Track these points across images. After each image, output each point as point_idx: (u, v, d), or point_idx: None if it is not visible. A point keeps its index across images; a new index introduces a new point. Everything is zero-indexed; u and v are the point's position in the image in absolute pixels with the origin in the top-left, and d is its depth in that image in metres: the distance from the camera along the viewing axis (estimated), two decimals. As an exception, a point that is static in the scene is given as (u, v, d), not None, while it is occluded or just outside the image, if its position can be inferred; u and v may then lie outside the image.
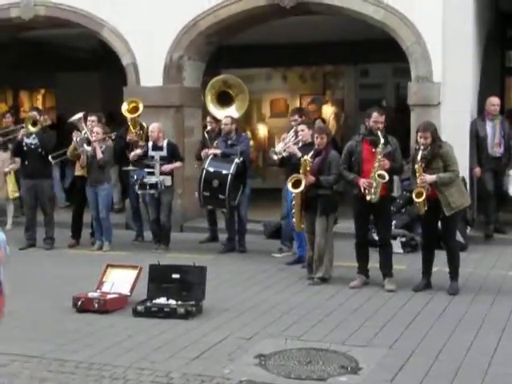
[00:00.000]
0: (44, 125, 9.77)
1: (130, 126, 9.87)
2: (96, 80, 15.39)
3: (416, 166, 6.90)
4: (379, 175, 6.93)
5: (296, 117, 8.79)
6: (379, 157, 7.06)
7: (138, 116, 9.85)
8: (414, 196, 6.89)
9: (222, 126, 9.37)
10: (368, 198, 7.07)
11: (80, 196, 9.75)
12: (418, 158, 6.87)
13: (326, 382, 4.76)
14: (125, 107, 9.91)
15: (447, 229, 7.15)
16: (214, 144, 9.50)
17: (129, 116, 9.88)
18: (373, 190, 7.03)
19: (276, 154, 8.31)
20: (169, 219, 9.41)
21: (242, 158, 9.01)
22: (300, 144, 8.04)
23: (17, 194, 11.06)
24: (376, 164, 7.04)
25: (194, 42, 11.09)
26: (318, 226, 7.52)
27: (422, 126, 7.13)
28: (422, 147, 6.90)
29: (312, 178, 7.41)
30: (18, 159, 10.35)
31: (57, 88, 16.68)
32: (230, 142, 9.25)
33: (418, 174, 6.87)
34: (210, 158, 9.08)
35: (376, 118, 7.22)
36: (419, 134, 6.99)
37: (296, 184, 7.41)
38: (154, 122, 9.59)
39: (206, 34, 11.07)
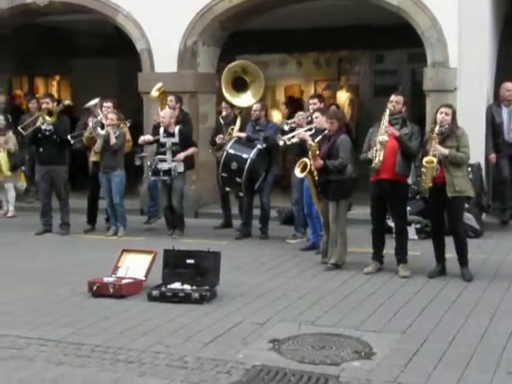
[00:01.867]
0: (58, 112, 9.80)
1: (159, 111, 9.84)
2: (111, 66, 15.41)
3: (432, 136, 6.88)
4: (426, 161, 6.85)
5: (315, 100, 8.83)
6: (385, 123, 7.08)
7: (165, 100, 9.84)
8: (424, 162, 6.86)
9: (252, 112, 9.36)
10: (372, 164, 7.11)
11: (95, 182, 9.79)
12: (436, 130, 6.88)
13: (340, 367, 4.77)
14: (155, 94, 9.90)
15: (451, 215, 7.12)
16: (230, 130, 9.50)
17: (159, 100, 9.86)
18: (376, 156, 7.05)
19: (282, 140, 8.37)
20: (181, 205, 9.43)
21: (264, 144, 8.99)
22: (313, 131, 8.04)
23: (9, 173, 11.14)
24: (381, 130, 7.09)
25: (209, 28, 11.08)
26: (330, 211, 7.54)
27: (445, 103, 7.28)
28: (440, 123, 6.90)
29: (320, 162, 7.43)
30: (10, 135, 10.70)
31: (72, 74, 16.73)
32: (257, 128, 9.27)
33: (433, 143, 6.85)
34: (233, 140, 9.10)
35: (391, 98, 7.29)
36: (441, 109, 7.00)
37: (304, 168, 7.46)
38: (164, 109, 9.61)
39: (220, 20, 11.05)
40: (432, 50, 9.88)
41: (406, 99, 7.46)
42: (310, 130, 8.11)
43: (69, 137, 9.57)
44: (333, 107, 11.54)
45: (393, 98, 7.31)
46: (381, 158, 7.07)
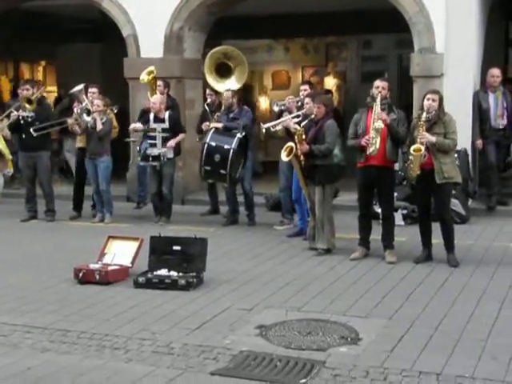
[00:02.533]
0: (38, 97, 9.68)
1: (149, 96, 9.73)
2: (97, 51, 15.29)
3: (419, 123, 6.87)
4: (414, 149, 6.83)
5: (306, 86, 8.82)
6: (377, 109, 7.05)
7: (155, 86, 9.74)
8: (411, 150, 6.85)
9: (223, 100, 9.27)
10: (368, 151, 7.07)
11: (81, 168, 9.73)
12: (423, 117, 6.87)
13: (326, 353, 4.78)
14: (145, 78, 9.78)
15: (439, 201, 7.14)
16: (215, 117, 9.45)
17: (150, 85, 9.75)
18: (372, 143, 7.02)
19: (277, 105, 8.56)
20: (171, 191, 9.40)
21: (244, 133, 8.96)
22: (301, 117, 8.03)
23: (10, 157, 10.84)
24: (374, 117, 7.05)
25: (195, 13, 11.00)
26: (316, 196, 7.54)
27: (431, 89, 7.25)
28: (427, 109, 6.89)
29: (306, 147, 7.43)
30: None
31: (57, 60, 16.58)
32: (231, 116, 9.17)
33: (420, 131, 6.84)
34: (211, 131, 9.01)
35: (377, 84, 7.25)
36: (428, 95, 6.97)
37: (290, 152, 7.45)
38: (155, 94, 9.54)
39: (206, 5, 10.97)
40: (419, 35, 9.86)
41: (390, 85, 7.43)
42: (298, 116, 8.09)
43: (31, 130, 9.33)
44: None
45: (378, 83, 7.26)
46: (377, 146, 7.03)
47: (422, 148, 6.82)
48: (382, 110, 7.12)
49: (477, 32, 9.99)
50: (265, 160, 13.54)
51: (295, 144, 7.48)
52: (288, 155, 7.50)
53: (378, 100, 7.11)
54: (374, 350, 4.81)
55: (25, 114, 9.49)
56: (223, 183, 9.24)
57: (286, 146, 7.53)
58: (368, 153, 7.09)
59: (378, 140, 7.04)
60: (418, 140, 6.86)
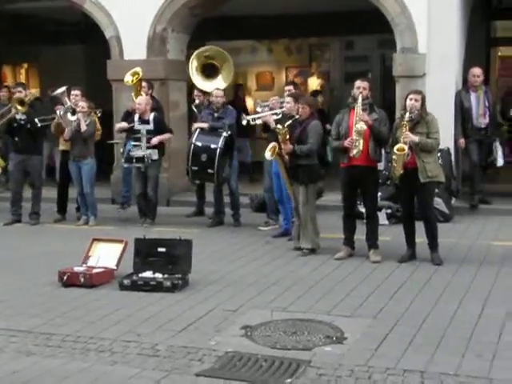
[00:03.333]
0: (30, 100, 9.66)
1: (133, 97, 9.70)
2: (80, 53, 15.23)
3: (403, 123, 6.90)
4: (398, 149, 6.86)
5: (291, 87, 8.84)
6: (359, 110, 7.08)
7: (140, 87, 9.70)
8: (395, 150, 6.89)
9: (213, 99, 9.19)
10: (351, 154, 7.11)
11: (65, 171, 9.69)
12: (406, 117, 6.91)
13: (311, 352, 4.80)
14: (129, 79, 9.72)
15: (422, 200, 7.18)
16: (200, 117, 9.45)
17: (135, 86, 9.70)
18: (356, 145, 7.06)
19: (245, 120, 8.56)
20: (155, 193, 9.38)
21: (229, 132, 8.97)
22: (280, 116, 8.11)
23: None
24: (356, 118, 7.08)
25: (178, 14, 10.99)
26: (300, 196, 7.58)
27: (414, 90, 7.30)
28: (410, 109, 6.93)
29: (289, 147, 7.47)
30: None
31: (40, 62, 16.49)
32: (216, 115, 9.18)
33: (404, 130, 6.88)
34: (197, 131, 9.02)
35: (358, 84, 7.27)
36: (410, 96, 7.01)
37: (273, 151, 7.49)
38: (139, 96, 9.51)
39: (189, 6, 10.97)
40: (401, 35, 9.92)
41: (371, 84, 7.46)
42: (277, 114, 8.16)
43: (36, 120, 9.37)
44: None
45: (359, 83, 7.28)
46: (360, 148, 7.06)
47: (406, 147, 6.86)
48: (364, 110, 7.15)
49: (458, 32, 10.07)
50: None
51: (279, 143, 7.52)
52: (272, 155, 7.54)
53: (360, 101, 7.13)
54: (358, 349, 4.83)
55: (18, 116, 9.43)
56: (211, 183, 9.22)
57: (270, 146, 7.57)
58: (352, 155, 7.12)
59: (361, 142, 7.07)
60: (402, 139, 6.90)
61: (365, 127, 7.06)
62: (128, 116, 9.60)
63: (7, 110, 9.88)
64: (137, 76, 9.72)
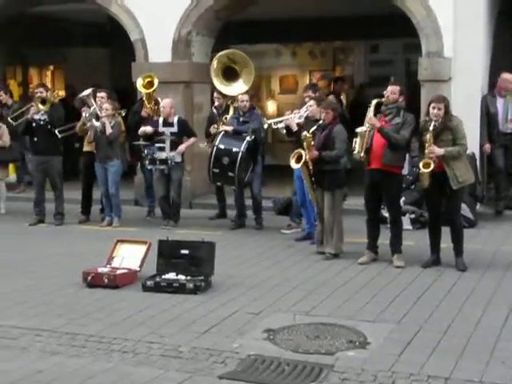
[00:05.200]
0: (52, 101, 9.75)
1: (145, 101, 9.82)
2: (105, 56, 15.36)
3: (427, 136, 6.86)
4: (423, 165, 6.83)
5: (310, 92, 8.75)
6: (369, 114, 7.11)
7: (153, 91, 9.79)
8: (420, 166, 6.86)
9: (239, 103, 9.23)
10: (354, 155, 7.18)
11: (89, 172, 9.76)
12: (430, 128, 6.85)
13: (334, 357, 4.78)
14: (140, 82, 9.85)
15: (451, 204, 7.12)
16: (224, 120, 9.48)
17: (144, 91, 9.82)
18: (355, 147, 7.12)
19: (267, 123, 8.57)
20: (179, 195, 9.42)
21: (253, 136, 8.97)
22: (302, 120, 8.09)
23: None
24: (366, 120, 7.11)
25: (203, 17, 11.03)
26: (325, 201, 7.55)
27: (436, 97, 7.16)
28: (433, 118, 6.88)
29: (315, 153, 7.44)
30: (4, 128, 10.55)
31: (66, 64, 16.66)
32: (242, 120, 9.20)
33: (427, 145, 6.84)
34: (221, 134, 9.04)
35: (387, 89, 7.29)
36: (432, 104, 6.95)
37: (298, 159, 7.45)
38: (165, 98, 9.57)
39: (214, 9, 11.00)
40: (427, 39, 9.86)
41: (402, 89, 7.43)
42: (300, 117, 8.14)
43: (56, 131, 9.44)
44: (331, 97, 11.56)
45: (388, 88, 7.28)
46: (359, 150, 7.08)
47: (432, 163, 6.80)
48: (386, 115, 7.15)
49: (485, 36, 9.98)
50: (272, 164, 13.53)
51: (302, 148, 7.48)
52: (296, 162, 7.49)
53: (372, 105, 7.16)
54: (382, 354, 4.81)
55: (37, 116, 9.51)
56: (231, 186, 9.25)
57: (294, 153, 7.51)
58: (353, 156, 7.19)
59: (359, 143, 7.08)
60: (426, 154, 6.83)
61: (364, 129, 7.06)
62: (146, 121, 9.61)
63: (27, 110, 9.95)
64: (148, 79, 9.78)
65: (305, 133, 7.50)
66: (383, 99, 7.23)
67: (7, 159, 11.07)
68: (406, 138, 7.17)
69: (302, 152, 7.47)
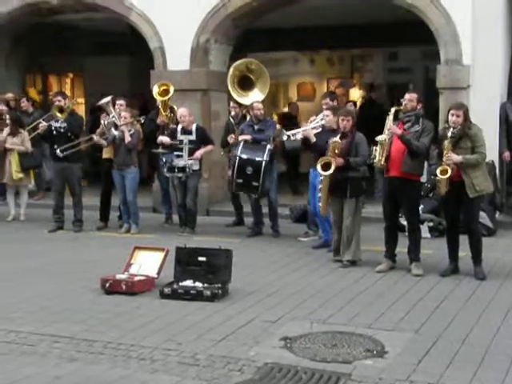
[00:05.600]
0: (70, 108, 9.81)
1: (161, 109, 9.88)
2: (124, 64, 15.46)
3: (445, 143, 6.83)
4: (441, 171, 6.80)
5: (327, 100, 8.71)
6: (389, 123, 7.09)
7: (168, 99, 9.86)
8: (438, 172, 6.83)
9: (254, 112, 9.22)
10: (374, 163, 7.21)
11: (108, 178, 9.82)
12: (448, 134, 6.82)
13: (352, 366, 4.76)
14: (156, 90, 9.92)
15: (469, 213, 7.07)
16: (237, 129, 9.49)
17: (159, 99, 9.89)
18: (375, 155, 7.12)
19: (286, 135, 8.43)
20: (195, 203, 9.44)
21: (273, 144, 8.98)
22: (319, 129, 8.08)
23: (20, 175, 10.69)
24: (385, 128, 7.10)
25: (221, 25, 11.08)
26: (346, 208, 7.53)
27: (455, 104, 7.14)
28: (452, 125, 6.85)
29: (341, 160, 7.41)
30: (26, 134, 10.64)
31: (85, 72, 16.79)
32: (257, 128, 9.21)
33: (445, 152, 6.81)
34: (241, 144, 9.02)
35: (405, 97, 7.27)
36: (451, 111, 6.92)
37: (325, 166, 7.41)
38: (181, 107, 9.61)
39: (233, 17, 11.05)
40: (445, 47, 9.83)
41: (420, 96, 7.40)
42: (315, 128, 8.13)
43: (58, 151, 9.44)
44: (349, 104, 11.55)
45: (406, 95, 7.27)
46: (379, 157, 7.07)
47: (449, 170, 6.77)
48: (404, 122, 7.15)
49: (504, 43, 9.94)
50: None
51: (328, 157, 7.43)
52: (324, 169, 7.43)
53: (391, 113, 7.15)
54: (399, 363, 4.78)
55: (57, 124, 9.59)
56: (253, 194, 9.21)
57: (321, 160, 7.46)
58: (368, 162, 7.23)
59: (381, 152, 7.06)
60: (444, 160, 6.81)
61: (385, 137, 7.04)
62: (164, 129, 9.65)
63: (49, 117, 10.02)
64: (164, 87, 9.82)
65: (335, 139, 7.45)
66: (401, 107, 7.22)
67: (30, 165, 11.12)
68: (426, 145, 7.17)
69: (331, 159, 7.40)
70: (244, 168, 8.84)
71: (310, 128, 8.23)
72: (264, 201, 9.45)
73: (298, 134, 8.35)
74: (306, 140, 8.12)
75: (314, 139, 7.97)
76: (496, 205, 9.44)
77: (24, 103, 12.20)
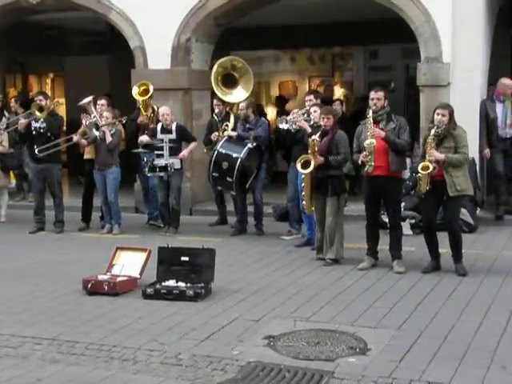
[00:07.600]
0: (51, 109, 9.73)
1: (141, 109, 9.84)
2: (105, 63, 15.36)
3: (428, 140, 6.86)
4: (422, 167, 6.82)
5: (311, 97, 8.74)
6: (369, 126, 7.05)
7: (148, 98, 9.82)
8: (419, 168, 6.85)
9: (239, 111, 9.31)
10: (364, 169, 7.11)
11: (89, 179, 9.76)
12: (432, 132, 6.85)
13: (335, 363, 4.78)
14: (135, 90, 9.88)
15: (449, 212, 7.11)
16: (225, 127, 9.49)
17: (140, 99, 9.85)
18: (367, 161, 7.04)
19: (286, 122, 8.37)
20: (178, 202, 9.42)
21: (255, 143, 8.97)
22: (312, 122, 8.08)
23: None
24: (368, 133, 7.05)
25: (202, 24, 11.05)
26: (328, 207, 7.54)
27: (441, 104, 7.22)
28: (437, 124, 6.88)
29: (321, 159, 7.42)
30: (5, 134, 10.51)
31: (65, 72, 16.67)
32: (247, 126, 9.23)
33: (428, 148, 6.84)
34: (224, 139, 9.07)
35: (371, 95, 7.25)
36: (437, 111, 6.95)
37: (305, 165, 7.41)
38: (162, 106, 9.58)
39: (214, 16, 11.02)
40: (425, 45, 9.88)
41: (386, 93, 7.39)
42: (309, 121, 8.13)
43: (36, 151, 9.37)
44: (336, 103, 11.59)
45: (373, 94, 7.24)
46: (372, 163, 7.06)
47: (431, 166, 6.79)
48: (380, 121, 7.14)
49: (483, 41, 10.00)
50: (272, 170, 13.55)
51: (307, 155, 7.43)
52: (303, 168, 7.44)
53: (370, 116, 7.10)
54: (382, 361, 4.80)
55: (37, 124, 9.50)
56: (230, 191, 9.24)
57: (301, 158, 7.49)
58: (363, 171, 7.15)
59: (373, 157, 7.03)
60: (427, 157, 6.84)
61: (374, 143, 7.00)
62: (144, 128, 9.62)
63: (26, 116, 9.92)
64: (144, 87, 9.79)
65: (314, 137, 7.46)
66: (373, 107, 7.19)
67: (9, 166, 11.02)
68: (408, 141, 7.26)
69: (310, 157, 7.41)
70: (220, 162, 8.87)
71: (302, 120, 8.23)
72: (249, 199, 9.45)
73: (296, 121, 8.28)
74: (293, 138, 8.14)
75: (309, 130, 7.90)
76: (477, 201, 9.50)
77: (13, 103, 12.16)
